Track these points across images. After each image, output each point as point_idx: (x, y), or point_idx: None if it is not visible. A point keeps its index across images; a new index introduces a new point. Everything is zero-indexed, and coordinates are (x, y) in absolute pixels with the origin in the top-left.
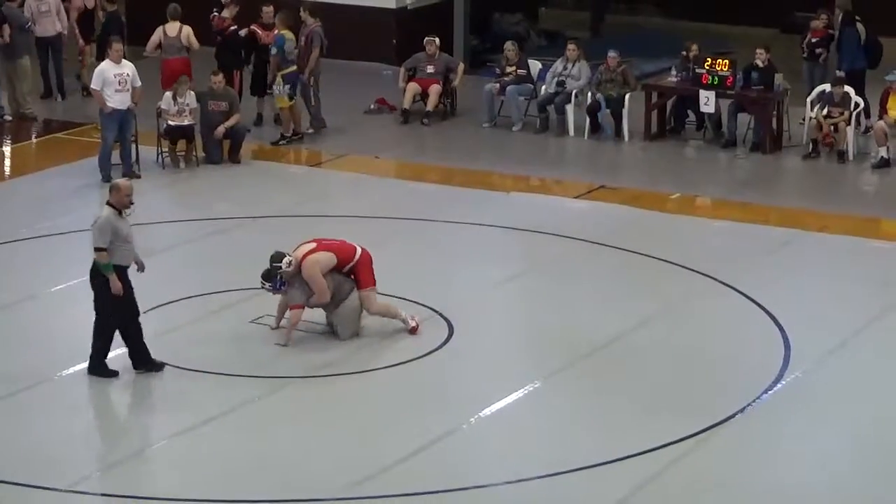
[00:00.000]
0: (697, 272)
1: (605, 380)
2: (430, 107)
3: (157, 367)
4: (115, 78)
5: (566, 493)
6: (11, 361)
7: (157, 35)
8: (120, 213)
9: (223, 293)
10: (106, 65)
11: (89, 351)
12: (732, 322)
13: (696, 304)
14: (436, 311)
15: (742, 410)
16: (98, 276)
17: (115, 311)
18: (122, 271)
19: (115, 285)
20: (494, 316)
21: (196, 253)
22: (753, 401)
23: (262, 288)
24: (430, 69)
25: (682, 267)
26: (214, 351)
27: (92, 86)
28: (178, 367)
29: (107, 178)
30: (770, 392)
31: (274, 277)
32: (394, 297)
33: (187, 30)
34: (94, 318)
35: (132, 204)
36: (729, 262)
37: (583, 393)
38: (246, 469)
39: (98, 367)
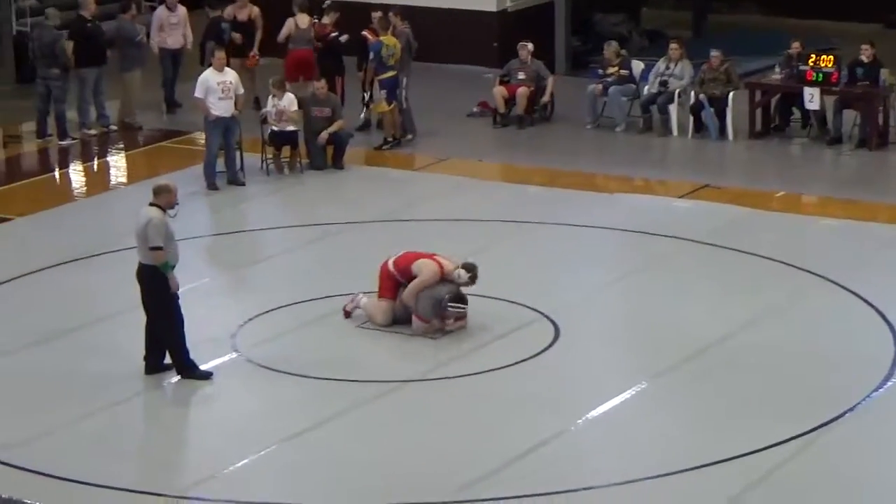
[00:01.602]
0: (805, 270)
1: (714, 379)
2: (519, 110)
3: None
4: (217, 86)
5: (675, 493)
6: (119, 368)
7: (287, 27)
8: (165, 212)
9: (329, 298)
10: (209, 73)
11: (179, 357)
12: (842, 320)
13: (805, 302)
14: (542, 314)
15: (853, 408)
16: (155, 278)
17: (172, 311)
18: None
19: (174, 282)
20: (600, 317)
21: (301, 258)
22: (864, 398)
23: (459, 310)
24: (521, 75)
25: (790, 265)
26: (322, 356)
27: (195, 94)
28: (286, 372)
29: (211, 185)
30: (881, 389)
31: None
32: (499, 299)
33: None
34: (146, 323)
35: (178, 204)
36: (837, 259)
37: (691, 393)
38: (356, 473)
39: (187, 368)
